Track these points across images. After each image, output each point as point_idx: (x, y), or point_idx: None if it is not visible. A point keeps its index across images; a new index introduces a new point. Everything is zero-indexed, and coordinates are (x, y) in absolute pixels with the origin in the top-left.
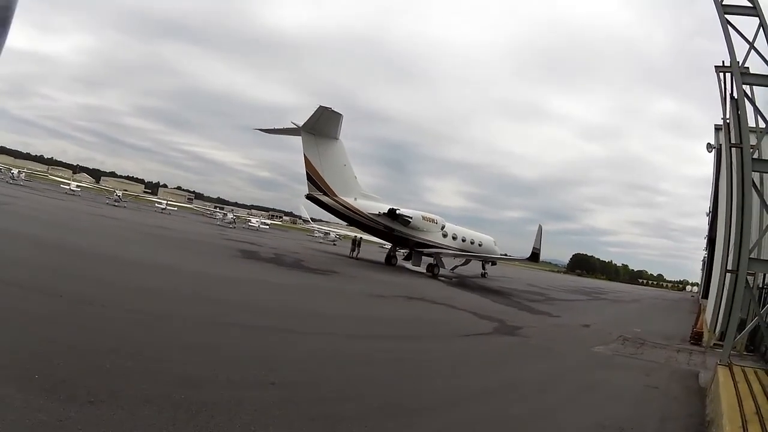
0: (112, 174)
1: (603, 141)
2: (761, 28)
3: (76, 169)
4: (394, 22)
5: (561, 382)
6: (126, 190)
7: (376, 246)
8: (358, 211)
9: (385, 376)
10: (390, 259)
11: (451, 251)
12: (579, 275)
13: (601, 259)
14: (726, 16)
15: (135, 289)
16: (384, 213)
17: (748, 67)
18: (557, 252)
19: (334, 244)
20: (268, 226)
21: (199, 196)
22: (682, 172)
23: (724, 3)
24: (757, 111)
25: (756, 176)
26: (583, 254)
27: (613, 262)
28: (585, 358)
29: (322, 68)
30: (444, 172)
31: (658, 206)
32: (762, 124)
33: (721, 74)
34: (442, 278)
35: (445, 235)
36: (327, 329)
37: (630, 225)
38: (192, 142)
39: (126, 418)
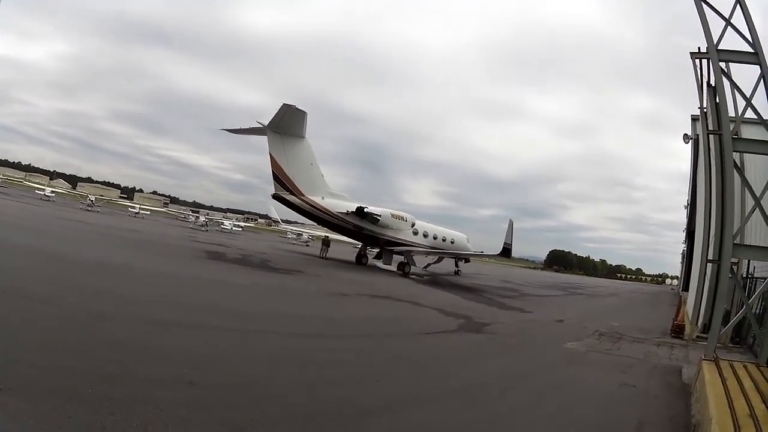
0: (89, 179)
1: (579, 138)
2: (737, 4)
3: (53, 175)
4: (369, 24)
5: (525, 383)
6: (102, 196)
7: (350, 246)
8: (326, 210)
9: (321, 379)
10: (360, 259)
11: (421, 249)
12: (556, 271)
13: (578, 254)
14: None
15: (77, 288)
16: (352, 211)
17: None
18: (534, 249)
19: (307, 245)
20: (241, 229)
21: (174, 201)
22: (659, 167)
23: None
24: (734, 86)
25: (736, 157)
26: (560, 250)
27: (591, 258)
28: (555, 355)
29: (297, 70)
30: (420, 171)
31: (635, 201)
32: (741, 102)
33: (697, 60)
34: (413, 276)
35: (415, 233)
36: (273, 328)
37: (607, 221)
38: (167, 146)
39: (27, 408)
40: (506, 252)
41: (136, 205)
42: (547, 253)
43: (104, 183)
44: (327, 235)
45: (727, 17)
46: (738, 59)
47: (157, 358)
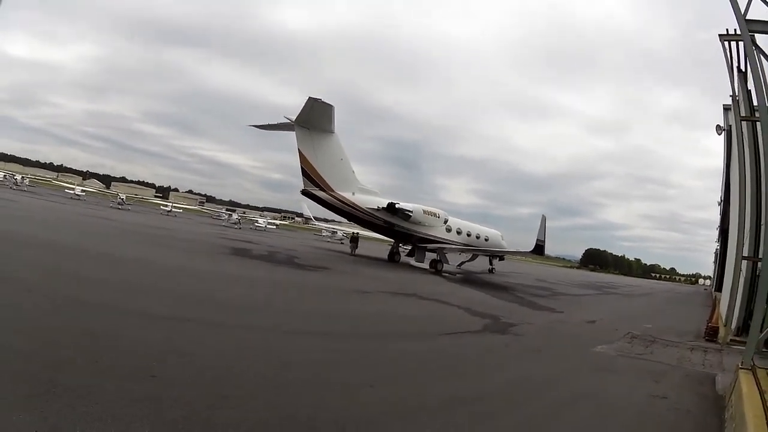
0: (123, 179)
1: (610, 135)
2: None
3: (86, 175)
4: (400, 20)
5: (541, 393)
6: (137, 195)
7: (387, 244)
8: (356, 206)
9: (302, 382)
10: (393, 256)
11: (455, 246)
12: (592, 270)
13: (613, 253)
14: None
15: (74, 276)
16: (383, 207)
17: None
18: (570, 247)
19: (342, 243)
20: (275, 227)
21: (210, 200)
22: (692, 164)
23: None
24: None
25: None
26: (595, 249)
27: (626, 257)
28: (582, 360)
29: (330, 68)
30: (455, 169)
31: (668, 199)
32: None
33: (726, 43)
34: (446, 274)
35: (448, 230)
36: (272, 325)
37: (641, 219)
38: (202, 145)
39: None
40: (539, 249)
41: (168, 204)
42: (582, 251)
43: (139, 183)
44: (356, 232)
45: None
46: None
47: (129, 349)
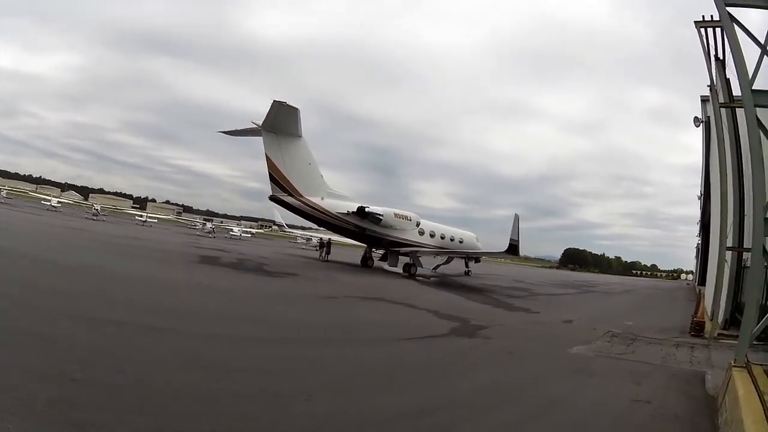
0: (101, 191)
1: (588, 134)
2: None
3: (65, 187)
4: (376, 27)
5: (506, 402)
6: (115, 206)
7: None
8: (326, 210)
9: (233, 392)
10: (366, 261)
11: (428, 249)
12: (571, 270)
13: (593, 252)
14: None
15: (15, 281)
16: (353, 212)
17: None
18: (549, 248)
19: (317, 249)
20: (251, 235)
21: (188, 210)
22: (669, 161)
23: None
24: (747, 32)
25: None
26: (574, 248)
27: (606, 255)
28: (555, 362)
29: (307, 75)
30: (432, 174)
31: (647, 196)
32: (756, 49)
33: (703, 30)
34: (420, 278)
35: (421, 233)
36: (221, 332)
37: (620, 217)
38: (180, 155)
39: None
40: (513, 248)
41: (144, 214)
42: (562, 251)
43: (116, 194)
44: (322, 237)
45: None
46: (749, 3)
47: (56, 351)
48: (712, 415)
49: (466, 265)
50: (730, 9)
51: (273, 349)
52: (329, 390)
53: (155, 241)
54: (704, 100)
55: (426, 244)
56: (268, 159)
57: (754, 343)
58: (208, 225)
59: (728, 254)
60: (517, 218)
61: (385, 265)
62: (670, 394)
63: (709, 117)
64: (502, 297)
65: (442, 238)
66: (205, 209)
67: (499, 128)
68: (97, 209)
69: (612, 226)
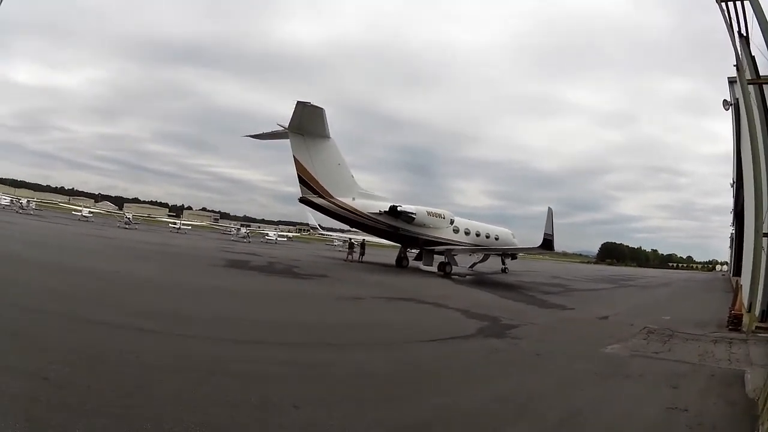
0: (135, 200)
1: (619, 127)
2: None
3: (98, 197)
4: (405, 29)
5: (520, 416)
6: (150, 215)
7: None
8: (357, 211)
9: (214, 398)
10: (400, 261)
11: (463, 247)
12: (609, 264)
13: (630, 246)
14: None
15: (33, 286)
16: (385, 211)
17: None
18: (587, 243)
19: (354, 251)
20: (286, 239)
21: (225, 216)
22: (701, 150)
23: None
24: None
25: None
26: (612, 243)
27: (643, 248)
28: (586, 364)
29: (340, 80)
30: (469, 172)
31: (681, 188)
32: None
33: (725, 5)
34: (455, 276)
35: (456, 231)
36: (223, 335)
37: (656, 209)
38: (214, 163)
39: None
40: (547, 243)
41: (177, 221)
42: (599, 246)
43: (152, 203)
44: (351, 238)
45: None
46: None
47: (37, 350)
48: (754, 423)
49: (503, 262)
50: None
51: (276, 353)
52: (320, 399)
53: (188, 247)
54: (731, 81)
55: (461, 242)
56: (296, 161)
57: None
58: (243, 230)
59: (765, 240)
60: (550, 212)
61: (421, 265)
62: (709, 399)
63: (737, 99)
64: (537, 294)
65: (477, 235)
66: (242, 215)
67: (532, 124)
68: (129, 218)
69: (648, 219)
